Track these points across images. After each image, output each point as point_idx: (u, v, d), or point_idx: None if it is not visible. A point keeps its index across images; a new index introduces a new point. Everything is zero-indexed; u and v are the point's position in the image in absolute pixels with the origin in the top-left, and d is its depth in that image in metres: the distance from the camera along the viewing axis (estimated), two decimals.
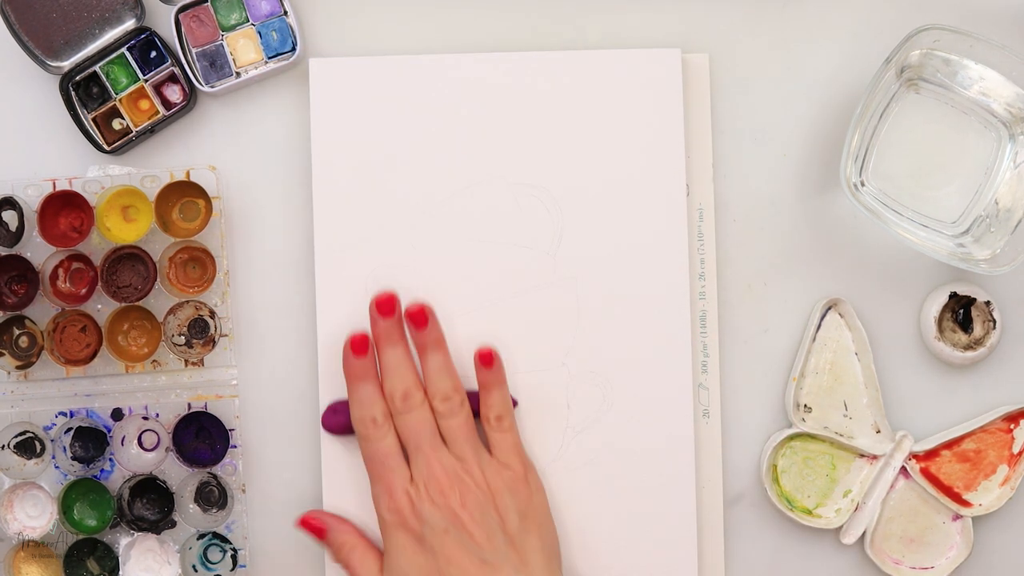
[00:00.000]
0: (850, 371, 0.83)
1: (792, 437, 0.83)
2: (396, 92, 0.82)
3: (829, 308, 0.83)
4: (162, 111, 0.83)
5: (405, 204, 0.82)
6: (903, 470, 0.83)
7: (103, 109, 0.83)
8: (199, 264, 0.83)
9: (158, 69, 0.83)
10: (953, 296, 0.83)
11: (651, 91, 0.83)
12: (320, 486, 0.82)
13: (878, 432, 0.83)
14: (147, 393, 0.82)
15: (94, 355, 0.81)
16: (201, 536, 0.82)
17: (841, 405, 0.83)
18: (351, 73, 0.82)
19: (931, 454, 0.84)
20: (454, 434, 0.79)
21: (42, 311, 0.81)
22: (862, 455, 0.84)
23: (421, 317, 0.80)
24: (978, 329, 0.83)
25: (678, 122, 0.83)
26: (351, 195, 0.82)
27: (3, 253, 0.81)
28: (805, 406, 0.83)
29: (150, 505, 0.82)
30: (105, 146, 0.82)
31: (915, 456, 0.83)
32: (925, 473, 0.83)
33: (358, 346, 0.79)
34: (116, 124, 0.83)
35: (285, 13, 0.83)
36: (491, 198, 0.82)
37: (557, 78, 0.83)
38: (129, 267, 0.82)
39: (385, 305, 0.80)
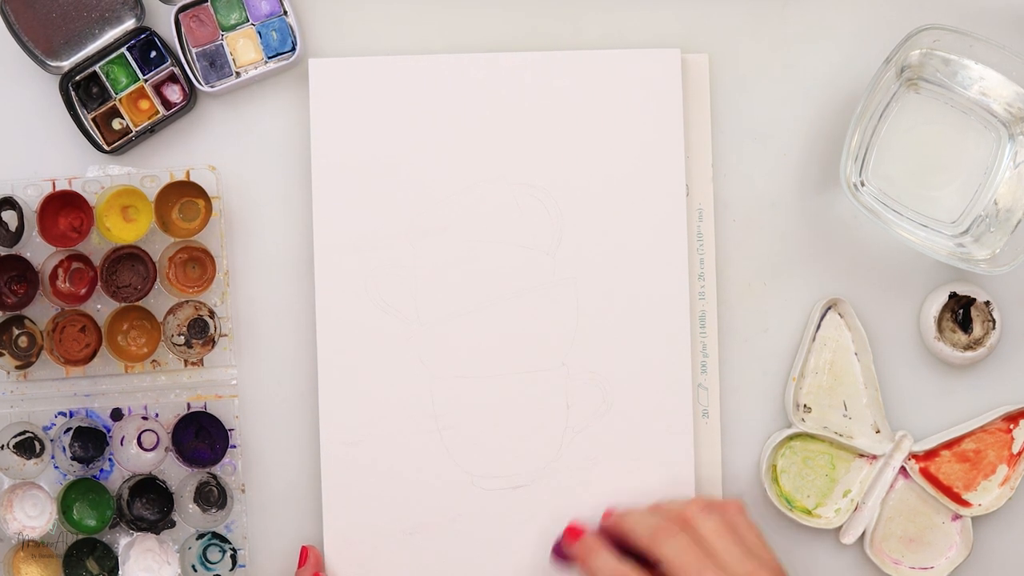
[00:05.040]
0: (850, 371, 0.83)
1: (792, 437, 0.83)
2: (396, 92, 0.82)
3: (829, 308, 0.83)
4: (162, 111, 0.83)
5: (405, 204, 0.82)
6: (902, 470, 0.83)
7: (103, 109, 0.83)
8: (199, 264, 0.83)
9: (158, 69, 0.83)
10: (953, 296, 0.83)
11: (651, 91, 0.83)
12: (320, 486, 0.82)
13: (877, 432, 0.83)
14: (147, 393, 0.82)
15: (94, 355, 0.81)
16: (200, 536, 0.82)
17: (841, 405, 0.83)
18: (351, 73, 0.82)
19: (931, 454, 0.84)
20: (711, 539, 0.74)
21: (42, 311, 0.81)
22: (861, 455, 0.84)
23: None
24: (978, 329, 0.83)
25: (677, 122, 0.83)
26: (351, 195, 0.82)
27: (3, 253, 0.81)
28: (805, 406, 0.83)
29: (149, 505, 0.82)
30: (105, 146, 0.82)
31: (914, 456, 0.83)
32: (924, 473, 0.83)
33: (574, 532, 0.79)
34: (116, 124, 0.83)
35: (285, 13, 0.83)
36: (491, 198, 0.82)
37: (557, 78, 0.83)
38: (129, 267, 0.82)
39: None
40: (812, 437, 0.83)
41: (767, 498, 0.83)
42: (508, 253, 0.82)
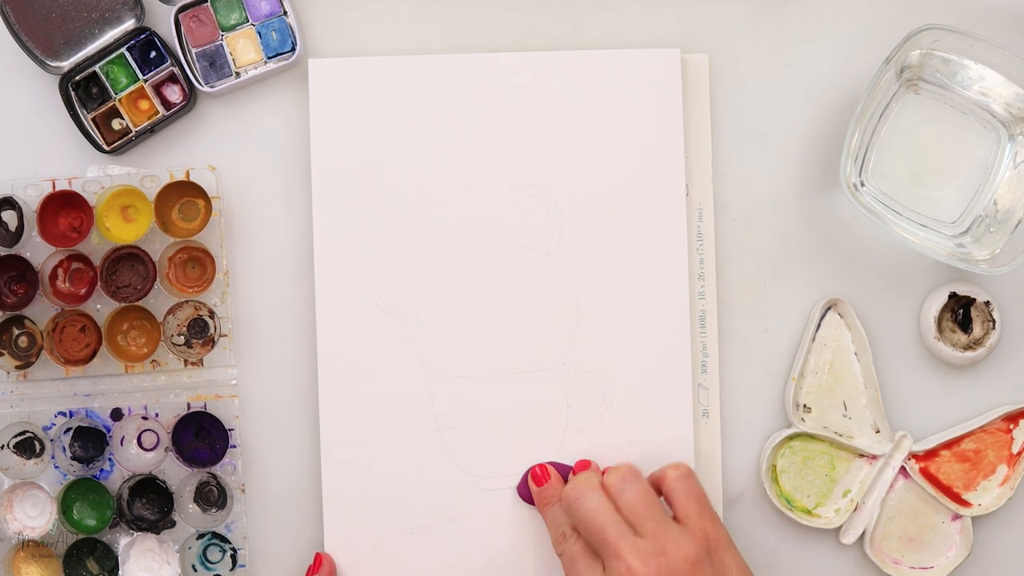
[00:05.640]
0: (849, 371, 0.83)
1: (792, 437, 0.83)
2: (396, 92, 0.82)
3: (829, 308, 0.83)
4: (162, 111, 0.83)
5: (404, 204, 0.82)
6: (902, 470, 0.83)
7: (103, 109, 0.83)
8: (199, 264, 0.83)
9: (158, 69, 0.83)
10: (953, 296, 0.83)
11: (650, 91, 0.83)
12: (320, 486, 0.82)
13: (877, 432, 0.83)
14: (147, 393, 0.82)
15: (93, 355, 0.81)
16: (201, 536, 0.82)
17: (840, 405, 0.83)
18: (351, 73, 0.82)
19: (930, 454, 0.84)
20: (633, 507, 0.76)
21: (42, 311, 0.81)
22: (861, 455, 0.84)
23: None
24: (977, 329, 0.83)
25: (677, 122, 0.83)
26: (351, 195, 0.82)
27: (3, 253, 0.81)
28: (804, 406, 0.83)
29: (150, 505, 0.82)
30: (105, 146, 0.82)
31: (914, 456, 0.83)
32: (924, 473, 0.83)
33: (537, 478, 0.81)
34: (116, 124, 0.83)
35: (285, 13, 0.83)
36: (491, 198, 0.82)
37: (557, 78, 0.83)
38: (129, 267, 0.82)
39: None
40: (812, 437, 0.83)
41: (767, 498, 0.83)
42: (508, 253, 0.82)
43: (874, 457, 0.83)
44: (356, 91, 0.82)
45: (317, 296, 0.82)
